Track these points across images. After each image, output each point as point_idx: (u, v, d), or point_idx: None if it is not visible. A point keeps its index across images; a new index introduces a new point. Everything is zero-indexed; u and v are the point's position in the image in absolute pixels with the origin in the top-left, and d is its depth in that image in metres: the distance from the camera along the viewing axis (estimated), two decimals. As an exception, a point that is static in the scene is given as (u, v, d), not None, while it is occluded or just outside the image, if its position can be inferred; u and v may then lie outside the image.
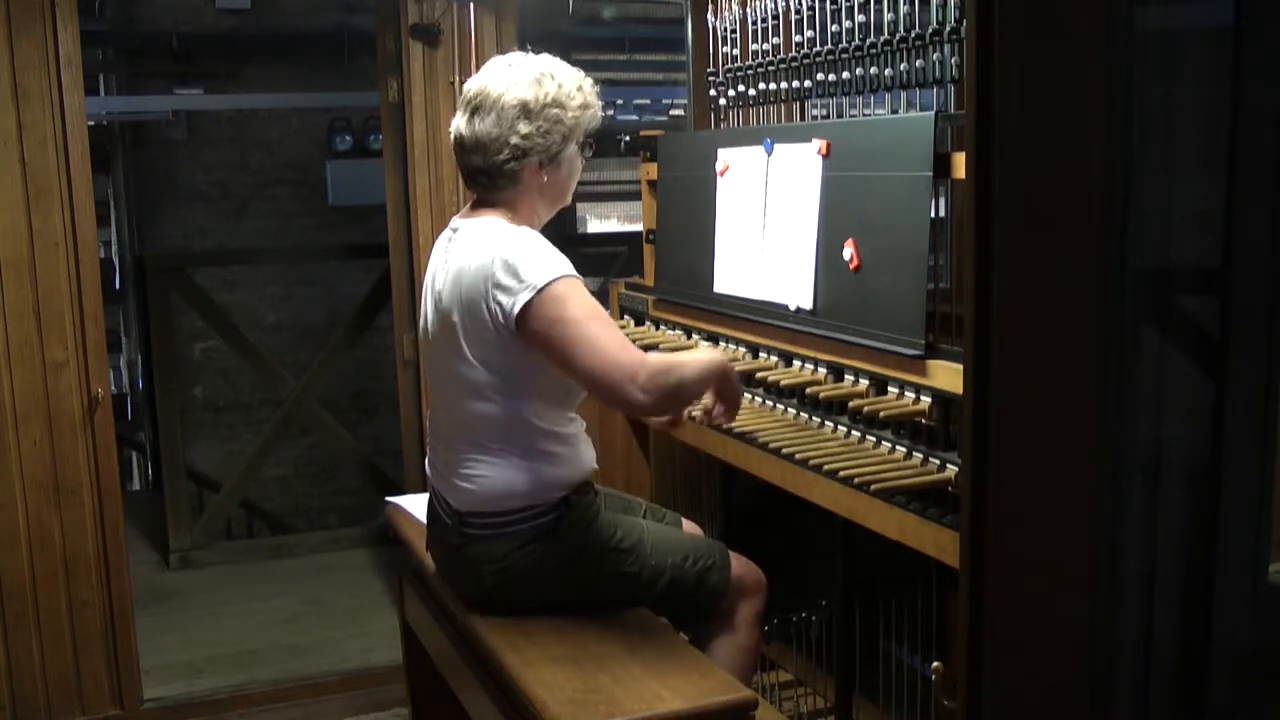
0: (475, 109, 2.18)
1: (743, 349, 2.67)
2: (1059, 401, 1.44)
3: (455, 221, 2.28)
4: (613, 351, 2.05)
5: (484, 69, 2.24)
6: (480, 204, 2.25)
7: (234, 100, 7.27)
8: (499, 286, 2.08)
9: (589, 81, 2.26)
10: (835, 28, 2.43)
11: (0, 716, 3.23)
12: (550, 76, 2.18)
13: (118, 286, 7.56)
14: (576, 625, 2.21)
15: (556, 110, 2.17)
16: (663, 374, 2.09)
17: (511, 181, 2.19)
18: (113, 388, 4.92)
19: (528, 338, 2.09)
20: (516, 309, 2.06)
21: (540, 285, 2.06)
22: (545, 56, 2.24)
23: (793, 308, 2.45)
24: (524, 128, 2.15)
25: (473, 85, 2.21)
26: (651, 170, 3.15)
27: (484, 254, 2.12)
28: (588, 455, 2.28)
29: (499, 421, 2.17)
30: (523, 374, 2.14)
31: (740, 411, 2.45)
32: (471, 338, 2.14)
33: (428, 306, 2.28)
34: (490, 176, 2.19)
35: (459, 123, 2.21)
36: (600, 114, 2.27)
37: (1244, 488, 1.49)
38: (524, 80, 2.17)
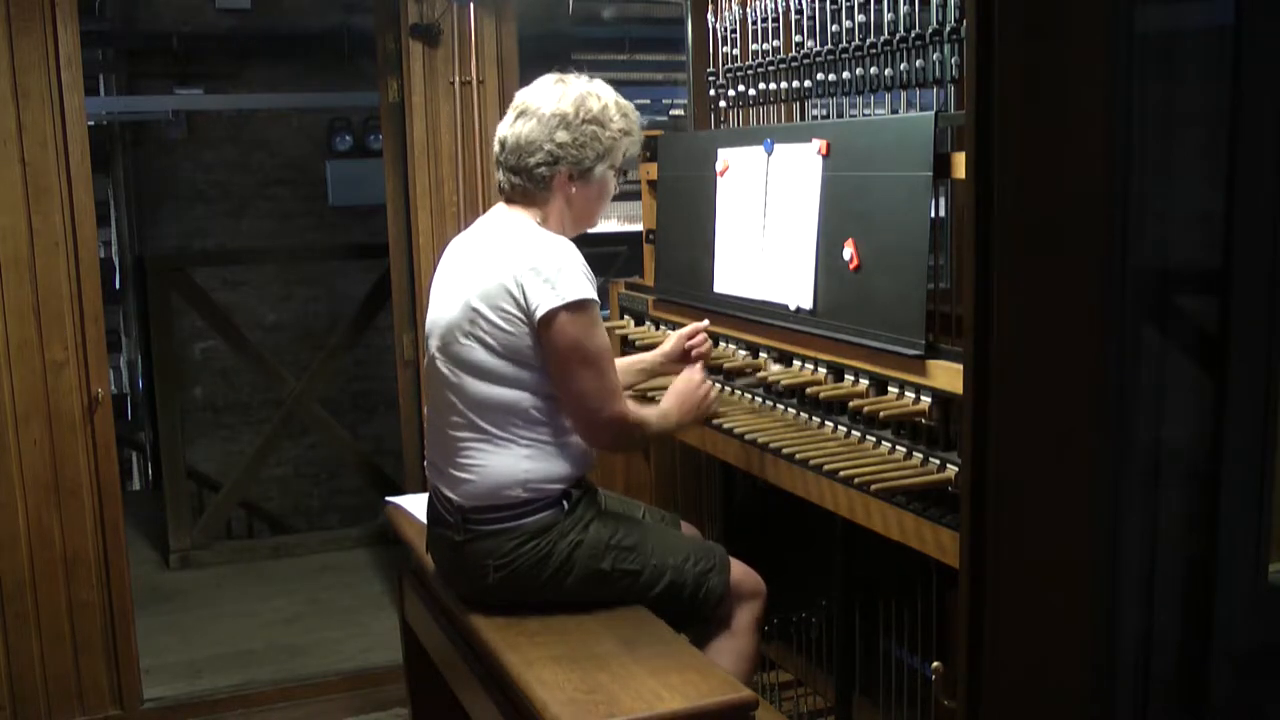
0: (520, 114, 2.31)
1: (743, 349, 2.67)
2: (1059, 402, 1.44)
3: (482, 219, 2.38)
4: (607, 396, 2.21)
5: (535, 83, 2.35)
6: (509, 203, 2.34)
7: (234, 100, 7.26)
8: (529, 283, 2.16)
9: (635, 112, 2.37)
10: (835, 28, 2.43)
11: (0, 716, 3.23)
12: (596, 97, 2.30)
13: (118, 286, 7.56)
14: (576, 625, 2.21)
15: (595, 128, 2.28)
16: (634, 428, 2.29)
17: (540, 186, 2.29)
18: (113, 388, 4.92)
19: (542, 340, 2.17)
20: (541, 311, 2.15)
21: (571, 300, 2.15)
22: (597, 81, 2.35)
23: (793, 308, 2.45)
24: (561, 136, 2.26)
25: (521, 95, 2.34)
26: (651, 170, 3.15)
27: (517, 247, 2.20)
28: (586, 453, 2.31)
29: (505, 406, 2.22)
30: (533, 363, 2.20)
31: (740, 412, 2.55)
32: (491, 324, 2.19)
33: (442, 292, 2.32)
34: (521, 178, 2.29)
35: (503, 126, 2.33)
36: (639, 143, 2.39)
37: (1244, 488, 1.49)
38: (569, 96, 2.29)
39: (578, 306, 2.15)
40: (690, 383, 2.43)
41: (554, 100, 2.28)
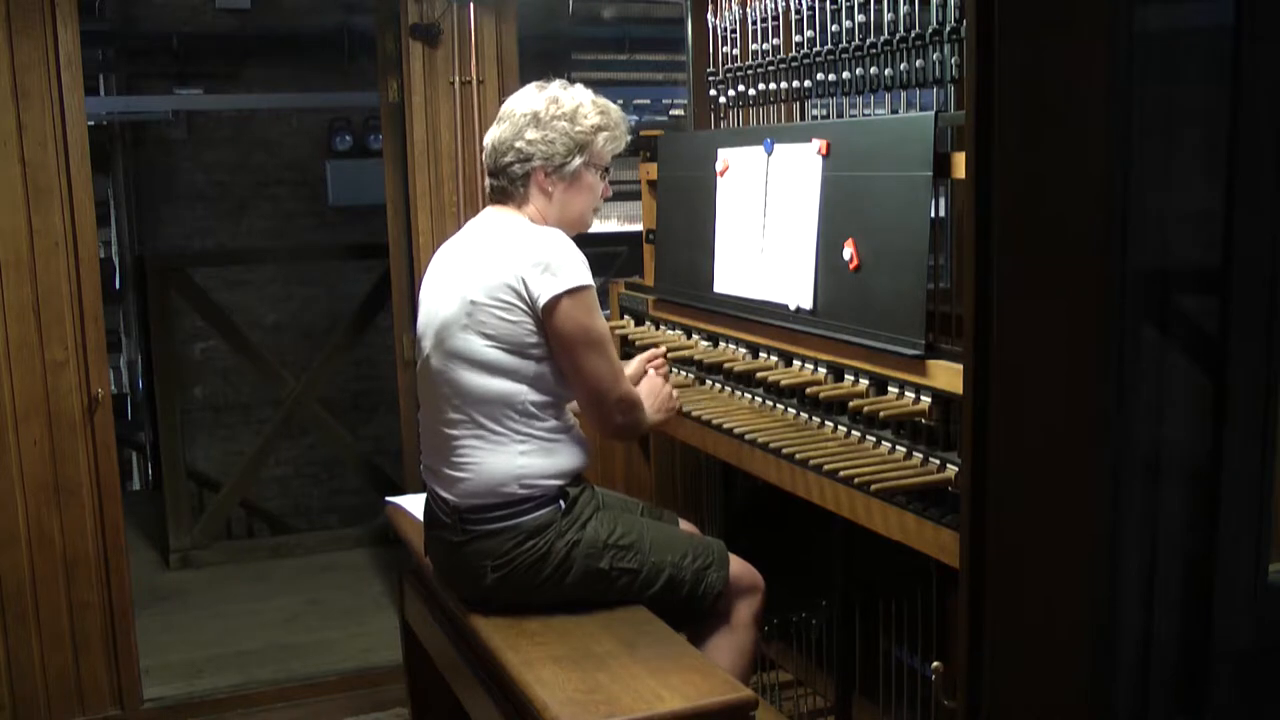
0: (499, 120, 2.38)
1: (743, 349, 2.67)
2: (1059, 401, 1.44)
3: (472, 222, 2.43)
4: (616, 377, 2.30)
5: (519, 90, 2.42)
6: (496, 205, 2.40)
7: (234, 100, 7.27)
8: (530, 275, 2.19)
9: (618, 112, 2.41)
10: (835, 28, 2.43)
11: (0, 716, 3.23)
12: (571, 97, 2.35)
13: (118, 286, 7.56)
14: (576, 625, 2.21)
15: (564, 124, 2.32)
16: (637, 409, 2.37)
17: (518, 185, 2.34)
18: (113, 388, 4.92)
19: (549, 328, 2.21)
20: (545, 299, 2.18)
21: (573, 287, 2.20)
22: (578, 86, 2.40)
23: (793, 308, 2.45)
24: (530, 134, 2.31)
25: (505, 103, 2.41)
26: (651, 170, 3.15)
27: (514, 243, 2.24)
28: (581, 449, 2.34)
29: (501, 399, 2.23)
30: (533, 354, 2.23)
31: (741, 411, 2.55)
32: (491, 314, 2.21)
33: (435, 293, 2.34)
34: (500, 179, 2.36)
35: (488, 134, 2.40)
36: (622, 142, 2.41)
37: (1244, 488, 1.49)
38: (543, 98, 2.35)
39: (580, 292, 2.21)
40: (655, 382, 2.57)
41: (528, 103, 2.35)
